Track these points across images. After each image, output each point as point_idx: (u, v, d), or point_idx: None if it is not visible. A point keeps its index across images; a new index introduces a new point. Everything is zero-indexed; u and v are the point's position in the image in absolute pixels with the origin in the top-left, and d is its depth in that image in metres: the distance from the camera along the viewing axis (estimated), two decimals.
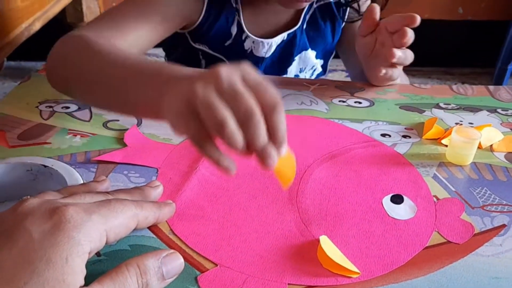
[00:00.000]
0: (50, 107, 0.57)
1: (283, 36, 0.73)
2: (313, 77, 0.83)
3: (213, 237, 0.37)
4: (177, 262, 0.31)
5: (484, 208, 0.43)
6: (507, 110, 0.63)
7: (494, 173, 0.49)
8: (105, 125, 0.54)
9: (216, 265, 0.35)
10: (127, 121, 0.54)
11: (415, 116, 0.60)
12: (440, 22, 2.04)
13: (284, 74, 0.78)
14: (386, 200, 0.43)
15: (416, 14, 0.57)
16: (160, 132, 0.52)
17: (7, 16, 0.97)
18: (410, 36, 0.58)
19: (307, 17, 0.74)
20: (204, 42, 0.72)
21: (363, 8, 0.75)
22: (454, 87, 0.70)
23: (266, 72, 0.76)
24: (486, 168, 0.50)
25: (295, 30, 0.73)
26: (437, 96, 0.66)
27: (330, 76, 1.44)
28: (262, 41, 0.72)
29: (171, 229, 0.38)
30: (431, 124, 0.56)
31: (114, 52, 0.47)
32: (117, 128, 0.53)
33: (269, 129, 0.33)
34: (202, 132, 0.34)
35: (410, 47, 0.61)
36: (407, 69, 0.69)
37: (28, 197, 0.31)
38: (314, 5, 0.73)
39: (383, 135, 0.55)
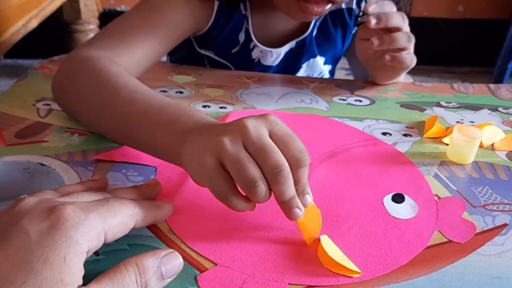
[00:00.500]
0: (48, 105, 0.56)
1: (292, 44, 0.71)
2: None
3: (212, 236, 0.37)
4: (176, 262, 0.31)
5: (486, 207, 0.43)
6: (508, 109, 0.63)
7: (496, 172, 0.48)
8: None
9: (216, 264, 0.34)
10: None
11: (416, 114, 0.60)
12: (440, 21, 2.04)
13: None
14: (387, 199, 0.43)
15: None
16: None
17: (3, 14, 0.97)
18: (394, 20, 0.58)
19: (318, 23, 0.72)
20: (210, 48, 0.71)
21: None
22: (455, 85, 0.70)
23: None
24: (487, 167, 0.49)
25: (304, 37, 0.71)
26: (438, 94, 0.66)
27: None
28: (270, 51, 0.70)
29: (170, 228, 0.37)
30: (432, 122, 0.56)
31: (128, 85, 0.45)
32: None
33: (294, 181, 0.35)
34: (228, 187, 0.34)
35: None
36: None
37: (25, 196, 0.30)
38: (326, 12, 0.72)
39: (384, 133, 0.55)
